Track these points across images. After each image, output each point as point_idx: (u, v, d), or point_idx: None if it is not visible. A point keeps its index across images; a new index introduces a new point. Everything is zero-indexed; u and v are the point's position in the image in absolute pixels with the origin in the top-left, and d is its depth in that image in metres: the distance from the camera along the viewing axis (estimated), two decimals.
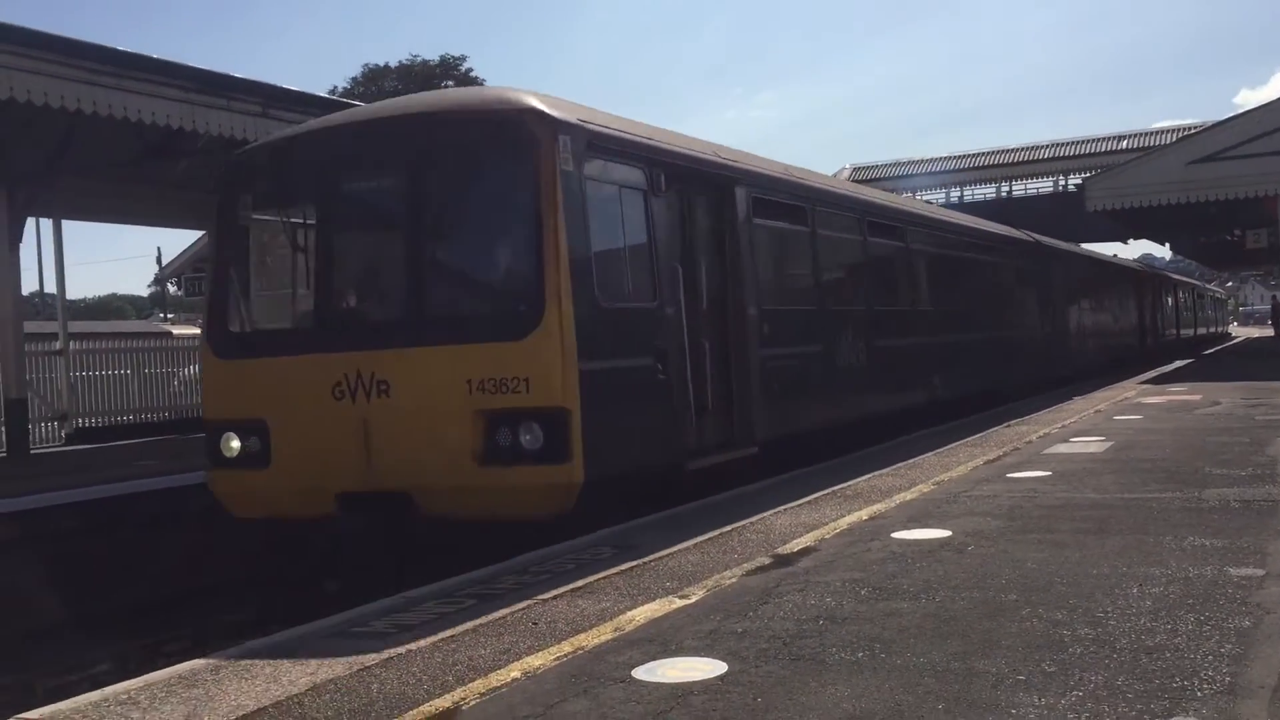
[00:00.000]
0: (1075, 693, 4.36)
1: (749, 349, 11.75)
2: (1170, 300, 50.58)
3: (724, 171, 12.04)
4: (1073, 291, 29.98)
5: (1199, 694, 4.29)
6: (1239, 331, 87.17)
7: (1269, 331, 62.73)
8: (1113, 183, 30.06)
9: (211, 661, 5.56)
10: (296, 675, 5.21)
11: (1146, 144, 48.50)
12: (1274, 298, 79.04)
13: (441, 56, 64.90)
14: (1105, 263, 37.26)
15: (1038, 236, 27.83)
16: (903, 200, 22.47)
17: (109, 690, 5.13)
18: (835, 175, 35.79)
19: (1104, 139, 56.59)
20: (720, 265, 11.70)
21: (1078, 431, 14.42)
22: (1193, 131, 34.30)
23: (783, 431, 12.21)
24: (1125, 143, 53.74)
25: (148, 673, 5.39)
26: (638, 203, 10.13)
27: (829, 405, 13.93)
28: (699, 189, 11.47)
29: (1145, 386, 23.00)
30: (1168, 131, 51.01)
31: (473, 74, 63.43)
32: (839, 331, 14.50)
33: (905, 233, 17.68)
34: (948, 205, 45.76)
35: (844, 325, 14.68)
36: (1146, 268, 45.69)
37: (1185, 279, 64.07)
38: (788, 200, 13.60)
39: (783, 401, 12.32)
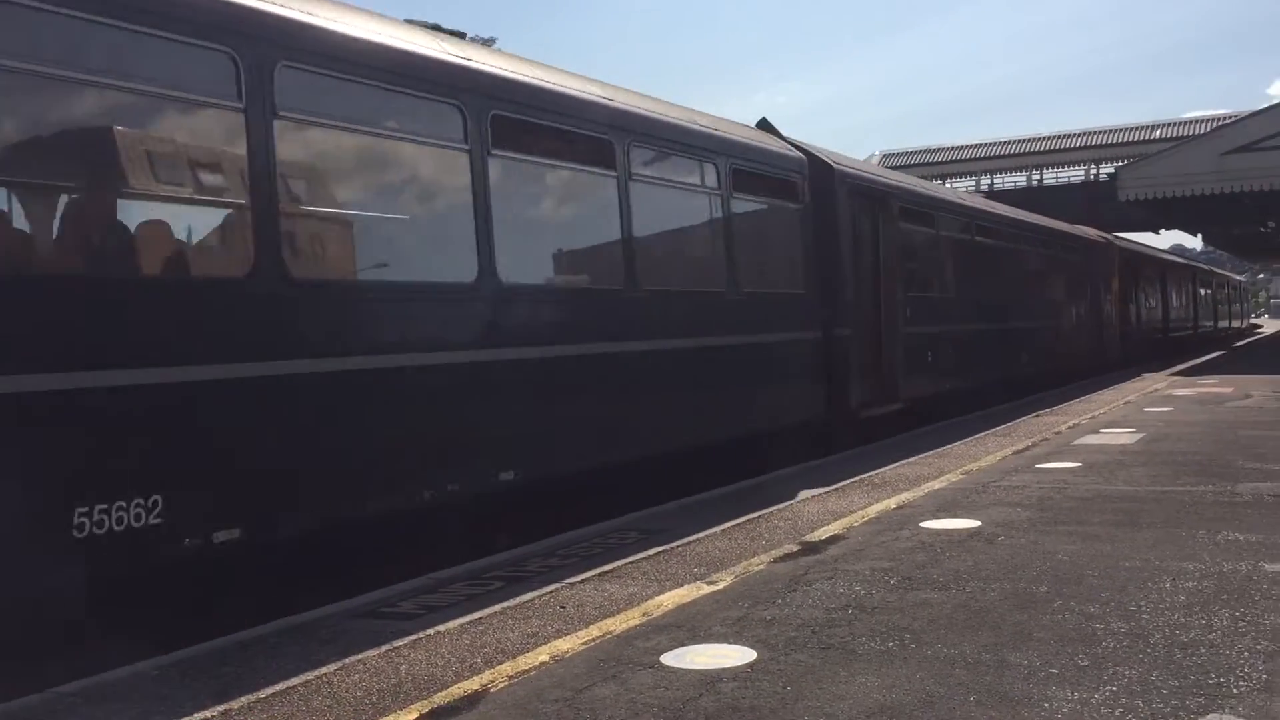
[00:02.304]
0: (1109, 687, 4.32)
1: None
2: (1147, 286, 36.87)
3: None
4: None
5: (1235, 691, 4.24)
6: (1270, 325, 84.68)
7: None
8: (1146, 172, 29.75)
9: (239, 637, 5.59)
10: (326, 654, 5.23)
11: (1180, 134, 47.97)
12: None
13: (470, 37, 64.73)
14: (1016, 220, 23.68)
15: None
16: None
17: (130, 669, 5.16)
18: (866, 160, 35.45)
19: (1137, 128, 56.03)
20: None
21: (1108, 423, 14.30)
22: (1227, 121, 33.88)
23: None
24: (1158, 132, 53.18)
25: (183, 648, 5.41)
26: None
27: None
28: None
29: (1175, 378, 22.81)
30: (1201, 121, 50.47)
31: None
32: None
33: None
34: (978, 192, 45.38)
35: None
36: (1103, 237, 30.08)
37: (1174, 258, 48.60)
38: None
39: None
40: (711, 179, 11.37)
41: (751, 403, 11.73)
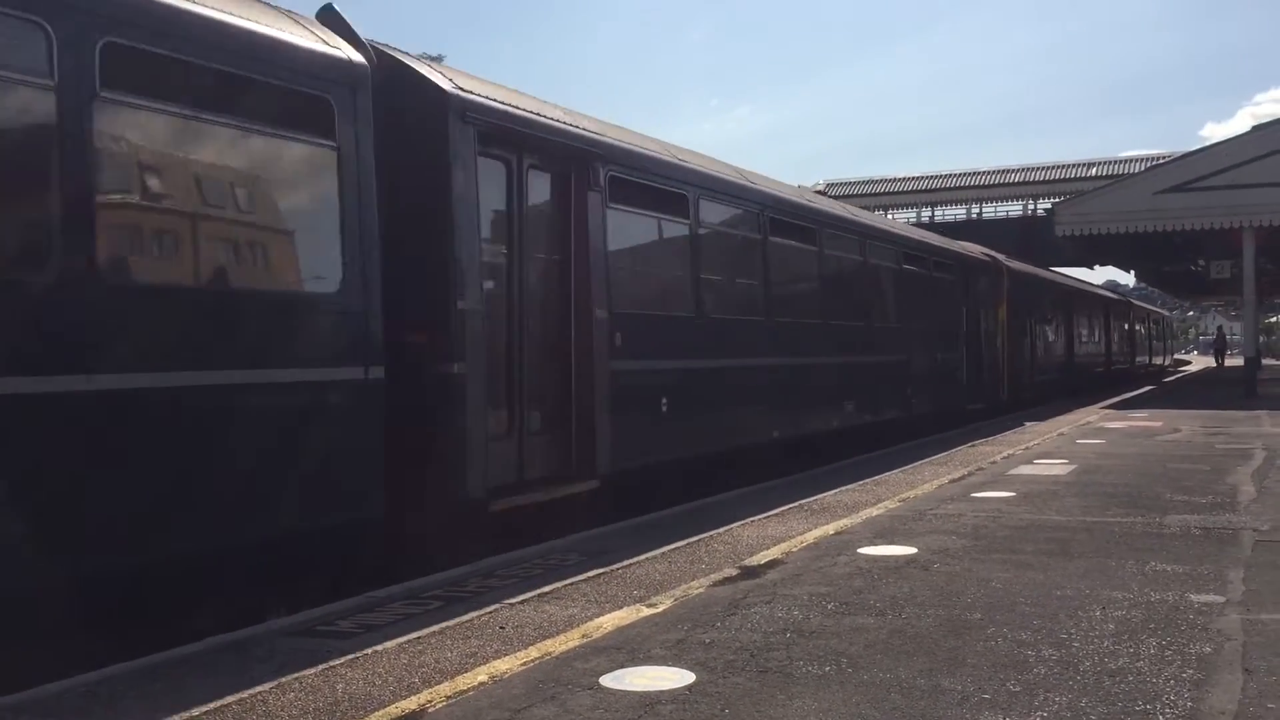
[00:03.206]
0: (1040, 713, 4.40)
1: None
2: (1049, 317, 32.76)
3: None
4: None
5: (1161, 718, 4.34)
6: (1200, 361, 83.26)
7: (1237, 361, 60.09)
8: (1082, 209, 30.44)
9: (175, 654, 5.50)
10: (261, 673, 5.16)
11: (1115, 172, 49.04)
12: (1218, 328, 79.82)
13: (419, 55, 64.46)
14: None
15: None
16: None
17: (68, 682, 5.06)
18: (812, 189, 35.69)
19: (1073, 165, 57.20)
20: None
21: (1041, 454, 14.55)
22: (1161, 162, 34.77)
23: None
24: (1094, 170, 54.35)
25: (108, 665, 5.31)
26: None
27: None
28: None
29: (1107, 411, 23.25)
30: (1136, 160, 51.61)
31: None
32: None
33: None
34: (919, 224, 46.01)
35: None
36: (988, 255, 25.55)
37: (1087, 285, 44.28)
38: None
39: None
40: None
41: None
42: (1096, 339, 41.44)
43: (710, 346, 12.28)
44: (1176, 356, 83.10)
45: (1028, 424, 19.89)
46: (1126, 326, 48.93)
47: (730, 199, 13.22)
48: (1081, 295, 39.23)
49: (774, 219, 14.11)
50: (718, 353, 12.42)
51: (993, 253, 25.94)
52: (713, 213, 12.77)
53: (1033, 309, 29.43)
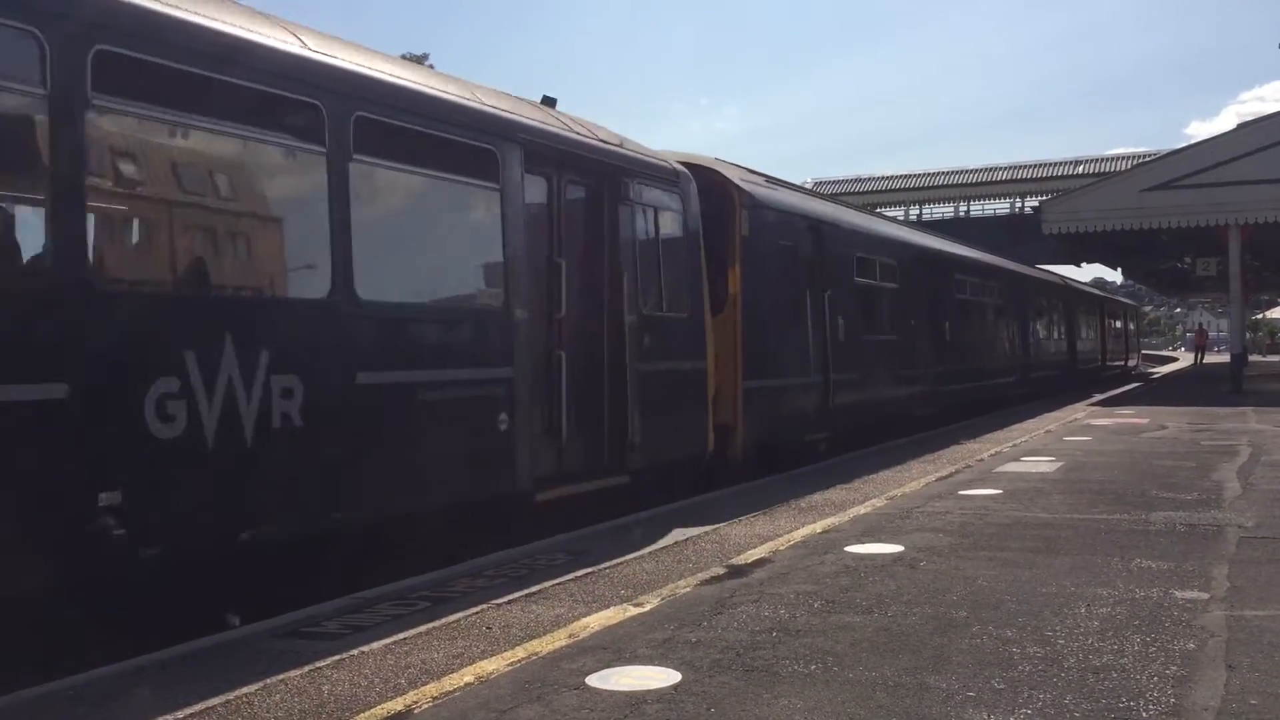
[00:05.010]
0: (1024, 710, 4.42)
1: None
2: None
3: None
4: None
5: (1144, 715, 4.36)
6: (1187, 358, 77.01)
7: (1219, 359, 53.55)
8: (1069, 206, 30.55)
9: (161, 656, 5.49)
10: (246, 674, 5.15)
11: (1102, 169, 49.30)
12: (1199, 324, 79.49)
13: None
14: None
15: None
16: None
17: (55, 685, 5.05)
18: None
19: (1060, 163, 57.49)
20: None
21: (1028, 451, 14.60)
22: (1147, 160, 34.89)
23: None
24: (1081, 167, 54.64)
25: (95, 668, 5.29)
26: None
27: None
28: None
29: (1094, 409, 23.34)
30: (1123, 158, 51.85)
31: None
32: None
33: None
34: (907, 222, 46.19)
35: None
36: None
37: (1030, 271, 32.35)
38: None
39: None
40: None
41: None
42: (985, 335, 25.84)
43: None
44: (1149, 354, 74.87)
45: (1015, 423, 19.95)
46: (1055, 317, 33.97)
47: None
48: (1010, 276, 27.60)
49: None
50: None
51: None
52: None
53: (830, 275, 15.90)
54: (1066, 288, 36.83)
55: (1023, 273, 30.56)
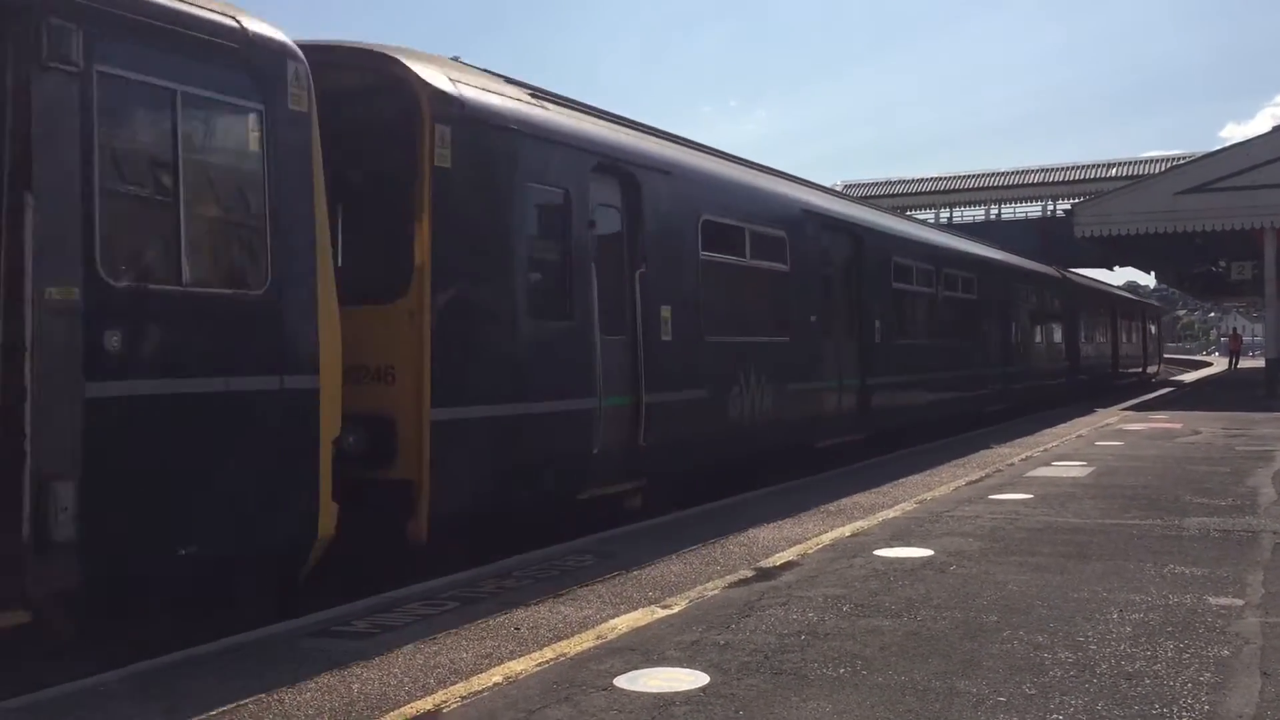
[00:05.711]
0: (1056, 716, 4.39)
1: None
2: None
3: None
4: None
5: None
6: (1221, 363, 74.05)
7: (1254, 363, 49.49)
8: (1101, 209, 30.27)
9: (193, 653, 5.54)
10: (278, 673, 5.19)
11: (1135, 172, 48.81)
12: (1233, 329, 78.27)
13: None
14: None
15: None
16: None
17: (78, 684, 5.09)
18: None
19: (1093, 165, 56.93)
20: None
21: (1060, 455, 14.49)
22: (1182, 162, 34.57)
23: None
24: (1114, 170, 54.07)
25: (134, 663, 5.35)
26: None
27: None
28: None
29: (1127, 413, 23.13)
30: (1156, 161, 51.33)
31: None
32: None
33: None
34: (937, 225, 45.93)
35: None
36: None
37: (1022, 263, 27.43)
38: None
39: None
40: None
41: None
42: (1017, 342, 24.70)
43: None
44: (1172, 358, 71.17)
45: (1046, 427, 19.81)
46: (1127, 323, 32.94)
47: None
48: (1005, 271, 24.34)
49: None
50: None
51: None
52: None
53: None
54: (1066, 282, 31.83)
55: (1012, 264, 25.78)
